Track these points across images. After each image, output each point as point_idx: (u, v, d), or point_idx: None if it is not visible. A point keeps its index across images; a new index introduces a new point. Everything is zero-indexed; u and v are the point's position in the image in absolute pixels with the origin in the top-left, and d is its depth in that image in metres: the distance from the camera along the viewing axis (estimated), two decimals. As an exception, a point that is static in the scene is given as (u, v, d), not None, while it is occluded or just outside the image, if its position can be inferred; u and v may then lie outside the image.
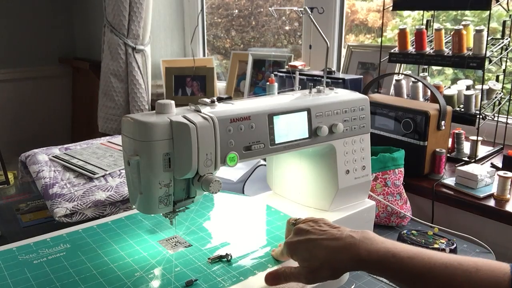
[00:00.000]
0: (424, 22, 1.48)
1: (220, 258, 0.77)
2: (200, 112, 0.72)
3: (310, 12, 1.05)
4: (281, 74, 1.67)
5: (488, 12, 1.18)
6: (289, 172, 0.99)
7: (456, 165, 1.21)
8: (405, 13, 1.75)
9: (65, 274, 0.73)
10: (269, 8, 1.24)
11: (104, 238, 0.84)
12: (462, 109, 1.33)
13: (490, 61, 1.24)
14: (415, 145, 1.18)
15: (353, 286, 0.84)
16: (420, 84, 1.43)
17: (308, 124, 0.84)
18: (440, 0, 1.29)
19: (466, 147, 1.30)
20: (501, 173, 1.06)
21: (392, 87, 1.53)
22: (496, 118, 1.34)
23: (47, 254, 0.79)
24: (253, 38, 2.37)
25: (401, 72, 1.58)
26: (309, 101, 0.86)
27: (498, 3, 1.23)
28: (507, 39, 1.30)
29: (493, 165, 1.22)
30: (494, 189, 1.08)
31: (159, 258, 0.77)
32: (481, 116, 1.27)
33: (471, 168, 1.12)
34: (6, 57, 2.84)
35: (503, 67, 1.34)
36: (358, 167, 0.94)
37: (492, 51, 1.26)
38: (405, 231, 0.98)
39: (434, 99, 1.29)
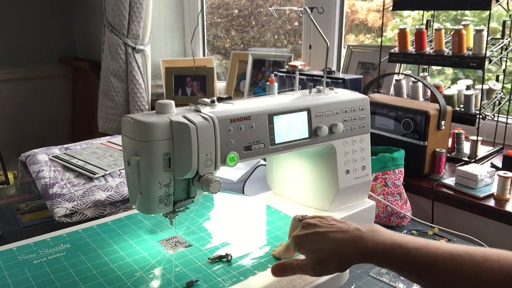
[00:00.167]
0: (424, 22, 1.48)
1: (220, 258, 0.77)
2: (200, 112, 0.72)
3: (310, 12, 1.05)
4: (281, 74, 1.67)
5: (488, 12, 1.18)
6: (289, 172, 0.99)
7: (456, 165, 1.21)
8: (405, 13, 1.75)
9: (65, 274, 0.73)
10: (269, 8, 1.24)
11: (104, 238, 0.84)
12: (462, 109, 1.33)
13: (490, 61, 1.24)
14: (415, 145, 1.18)
15: (353, 286, 0.84)
16: (420, 84, 1.43)
17: (308, 124, 0.84)
18: (440, 0, 1.29)
19: (466, 147, 1.30)
20: (501, 173, 1.06)
21: (392, 87, 1.53)
22: (496, 118, 1.34)
23: (47, 254, 0.79)
24: (253, 38, 2.37)
25: (401, 72, 1.58)
26: (309, 101, 0.86)
27: (498, 3, 1.23)
28: (507, 39, 1.30)
29: (493, 165, 1.22)
30: (494, 189, 1.08)
31: (159, 258, 0.77)
32: (481, 116, 1.27)
33: (471, 168, 1.12)
34: (6, 57, 2.84)
35: (503, 67, 1.34)
36: (358, 167, 0.94)
37: (492, 51, 1.26)
38: (405, 231, 0.99)
39: (434, 99, 1.29)
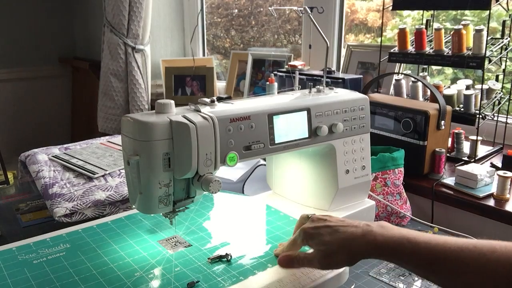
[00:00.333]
0: (424, 21, 1.48)
1: (220, 258, 0.77)
2: (200, 112, 0.72)
3: (310, 12, 1.05)
4: (281, 74, 1.67)
5: (488, 11, 1.18)
6: (289, 172, 0.99)
7: (456, 165, 1.21)
8: (405, 12, 1.75)
9: (65, 274, 0.73)
10: (269, 8, 1.24)
11: (104, 238, 0.84)
12: (462, 109, 1.33)
13: (489, 61, 1.24)
14: (415, 145, 1.18)
15: (353, 286, 0.84)
16: (419, 84, 1.43)
17: (308, 124, 0.84)
18: (440, 0, 1.28)
19: (466, 147, 1.30)
20: (500, 172, 1.06)
21: (392, 87, 1.53)
22: (495, 118, 1.34)
23: (47, 254, 0.79)
24: (253, 38, 2.37)
25: (400, 71, 1.58)
26: (309, 100, 0.86)
27: (498, 3, 1.23)
28: (507, 38, 1.30)
29: (492, 165, 1.22)
30: (493, 189, 1.08)
31: (159, 258, 0.77)
32: (480, 116, 1.27)
33: (471, 167, 1.12)
34: (6, 57, 2.84)
35: (503, 66, 1.34)
36: (358, 167, 0.94)
37: (492, 50, 1.26)
38: (405, 231, 0.98)
39: (433, 99, 1.29)
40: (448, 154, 1.28)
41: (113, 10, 2.03)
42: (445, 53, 1.30)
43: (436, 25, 1.42)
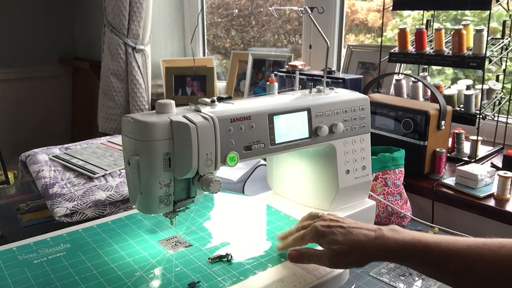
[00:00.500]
0: (424, 22, 1.48)
1: (220, 258, 0.77)
2: (200, 112, 0.72)
3: (310, 12, 1.05)
4: (281, 74, 1.67)
5: (488, 12, 1.18)
6: (289, 172, 0.99)
7: (456, 165, 1.21)
8: (405, 13, 1.75)
9: (65, 274, 0.73)
10: (269, 8, 1.24)
11: (104, 238, 0.84)
12: (462, 109, 1.33)
13: (490, 61, 1.24)
14: (415, 145, 1.18)
15: (353, 286, 0.84)
16: (420, 84, 1.43)
17: (308, 124, 0.84)
18: (440, 0, 1.28)
19: (466, 147, 1.30)
20: (501, 173, 1.06)
21: (392, 87, 1.53)
22: (496, 118, 1.34)
23: (47, 254, 0.79)
24: (253, 38, 2.37)
25: (401, 72, 1.58)
26: (309, 101, 0.86)
27: (498, 3, 1.23)
28: (507, 39, 1.30)
29: (493, 165, 1.22)
30: (494, 189, 1.08)
31: (159, 258, 0.77)
32: (481, 116, 1.27)
33: (471, 168, 1.12)
34: (6, 57, 2.84)
35: (503, 67, 1.34)
36: (358, 167, 0.94)
37: (492, 51, 1.26)
38: (405, 231, 0.98)
39: (434, 99, 1.29)
40: (448, 154, 1.28)
41: (113, 10, 2.03)
42: (445, 53, 1.30)
43: (436, 25, 1.42)
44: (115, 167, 1.16)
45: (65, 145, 1.34)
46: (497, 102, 1.34)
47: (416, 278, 0.86)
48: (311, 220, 0.76)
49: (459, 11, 1.57)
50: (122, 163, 1.18)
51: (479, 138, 1.25)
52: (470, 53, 1.25)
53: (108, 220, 0.92)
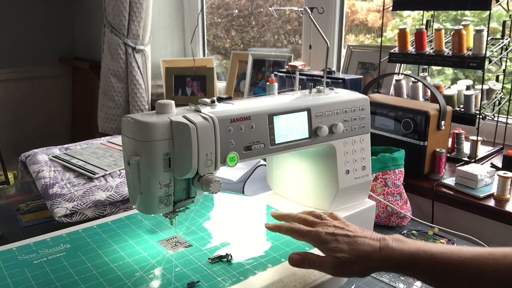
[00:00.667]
0: (424, 22, 1.48)
1: (220, 258, 0.77)
2: (200, 112, 0.72)
3: (310, 12, 1.05)
4: (281, 74, 1.67)
5: (488, 12, 1.18)
6: (289, 172, 0.99)
7: (456, 165, 1.21)
8: (405, 13, 1.75)
9: (65, 274, 0.73)
10: (269, 8, 1.24)
11: (104, 238, 0.84)
12: (462, 109, 1.33)
13: (490, 61, 1.24)
14: (415, 145, 1.18)
15: (353, 286, 0.84)
16: (420, 84, 1.43)
17: (308, 124, 0.84)
18: (440, 0, 1.29)
19: (466, 147, 1.30)
20: (501, 173, 1.06)
21: (392, 87, 1.53)
22: (496, 118, 1.34)
23: (47, 254, 0.79)
24: (253, 38, 2.37)
25: (401, 72, 1.58)
26: (309, 101, 0.86)
27: (498, 3, 1.23)
28: (507, 39, 1.30)
29: (493, 165, 1.22)
30: (494, 189, 1.08)
31: (159, 258, 0.77)
32: (481, 116, 1.27)
33: (471, 168, 1.12)
34: (6, 57, 2.84)
35: (503, 67, 1.34)
36: (358, 167, 0.94)
37: (492, 51, 1.26)
38: (405, 231, 0.99)
39: (434, 99, 1.29)
40: (448, 155, 1.28)
41: (113, 10, 2.03)
42: (445, 54, 1.30)
43: (436, 25, 1.42)
44: (115, 167, 1.16)
45: (65, 145, 1.34)
46: (497, 102, 1.34)
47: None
48: (314, 217, 0.75)
49: (459, 11, 1.57)
50: (122, 163, 1.18)
51: (479, 138, 1.25)
52: (470, 53, 1.25)
53: (108, 220, 0.92)
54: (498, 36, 1.34)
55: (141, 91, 2.11)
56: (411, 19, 1.75)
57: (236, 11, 2.45)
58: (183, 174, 0.70)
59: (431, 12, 1.48)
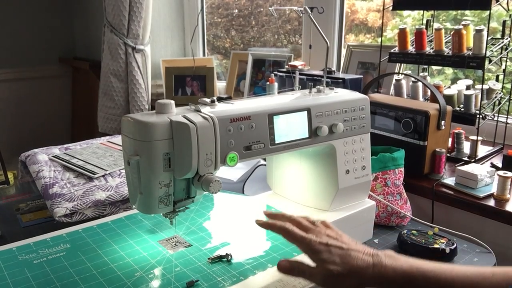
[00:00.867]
0: (424, 22, 1.48)
1: (220, 258, 0.77)
2: (200, 112, 0.72)
3: (310, 12, 1.05)
4: (281, 74, 1.67)
5: (488, 12, 1.18)
6: (289, 172, 0.99)
7: (456, 165, 1.21)
8: (405, 13, 1.75)
9: (65, 274, 0.73)
10: (269, 8, 1.24)
11: (104, 238, 0.85)
12: (462, 109, 1.33)
13: (490, 61, 1.24)
14: (415, 145, 1.18)
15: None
16: (420, 84, 1.43)
17: (308, 124, 0.84)
18: (440, 0, 1.28)
19: (466, 147, 1.30)
20: (501, 173, 1.06)
21: (392, 87, 1.53)
22: (496, 118, 1.34)
23: (47, 254, 0.79)
24: (253, 38, 2.37)
25: (401, 72, 1.58)
26: (309, 101, 0.86)
27: (498, 3, 1.23)
28: (507, 39, 1.30)
29: (493, 165, 1.22)
30: (494, 189, 1.08)
31: (159, 258, 0.77)
32: (481, 116, 1.27)
33: (471, 168, 1.12)
34: (6, 57, 2.84)
35: (503, 67, 1.34)
36: (358, 167, 0.94)
37: (492, 51, 1.26)
38: (405, 231, 0.98)
39: (434, 99, 1.29)
40: (448, 154, 1.28)
41: (113, 10, 2.03)
42: (445, 53, 1.30)
43: (436, 25, 1.42)
44: (115, 167, 1.16)
45: (65, 145, 1.34)
46: (497, 102, 1.34)
47: (416, 278, 0.86)
48: (308, 223, 0.72)
49: (459, 11, 1.57)
50: (122, 163, 1.18)
51: (479, 138, 1.25)
52: (470, 53, 1.25)
53: (108, 220, 0.92)
54: (498, 36, 1.34)
55: (141, 91, 2.11)
56: (411, 18, 1.75)
57: (236, 11, 2.45)
58: (183, 174, 0.70)
59: (431, 12, 1.48)
